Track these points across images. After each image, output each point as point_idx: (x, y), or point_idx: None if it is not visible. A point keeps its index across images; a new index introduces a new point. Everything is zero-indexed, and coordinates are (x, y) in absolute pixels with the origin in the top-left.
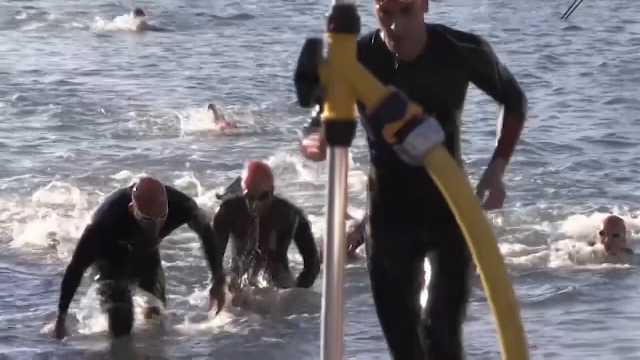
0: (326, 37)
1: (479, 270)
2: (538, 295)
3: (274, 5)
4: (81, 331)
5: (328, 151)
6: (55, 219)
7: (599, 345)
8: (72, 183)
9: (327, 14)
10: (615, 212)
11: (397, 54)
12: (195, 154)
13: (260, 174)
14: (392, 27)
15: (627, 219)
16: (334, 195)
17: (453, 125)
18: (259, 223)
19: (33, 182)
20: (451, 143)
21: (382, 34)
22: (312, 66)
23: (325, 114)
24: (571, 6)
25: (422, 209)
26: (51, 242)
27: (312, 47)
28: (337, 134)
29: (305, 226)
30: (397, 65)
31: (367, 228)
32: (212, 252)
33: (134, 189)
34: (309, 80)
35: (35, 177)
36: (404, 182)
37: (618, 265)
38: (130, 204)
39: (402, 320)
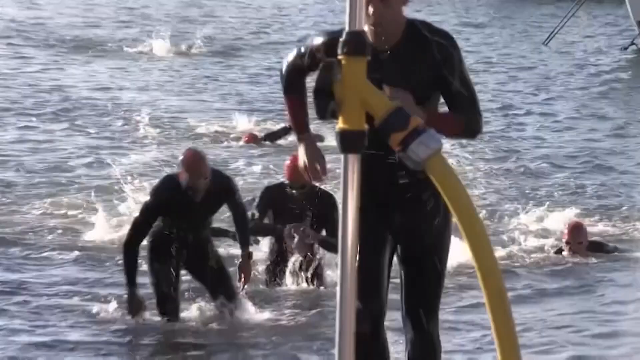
0: (340, 59)
1: (473, 261)
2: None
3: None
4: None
5: (342, 157)
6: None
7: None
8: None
9: (341, 39)
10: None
11: (373, 44)
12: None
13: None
14: (370, 12)
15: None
16: (348, 194)
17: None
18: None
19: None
20: None
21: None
22: (328, 84)
23: (340, 125)
24: (551, 34)
25: (394, 197)
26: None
27: (328, 67)
28: (350, 143)
29: None
30: (372, 55)
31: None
32: (244, 230)
33: (180, 157)
34: (326, 96)
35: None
36: (380, 160)
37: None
38: (179, 173)
39: (373, 305)
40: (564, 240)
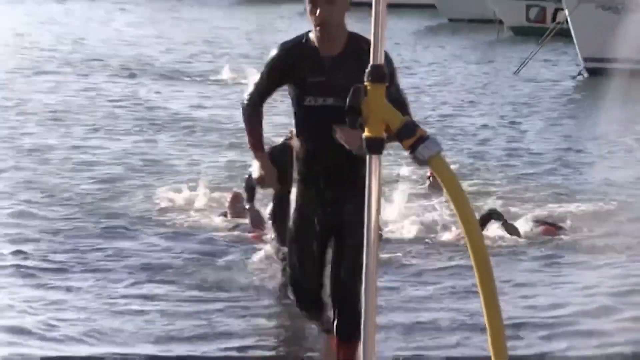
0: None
1: (465, 240)
2: None
3: None
4: None
5: (367, 158)
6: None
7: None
8: None
9: (366, 70)
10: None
11: (320, 50)
12: None
13: None
14: (317, 14)
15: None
16: (372, 190)
17: None
18: None
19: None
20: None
21: (311, 35)
22: (358, 103)
23: (366, 133)
24: (521, 64)
25: (333, 175)
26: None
27: (357, 90)
28: (373, 147)
29: None
30: (319, 60)
31: (294, 189)
32: None
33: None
34: (355, 112)
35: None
36: (321, 154)
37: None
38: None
39: (312, 275)
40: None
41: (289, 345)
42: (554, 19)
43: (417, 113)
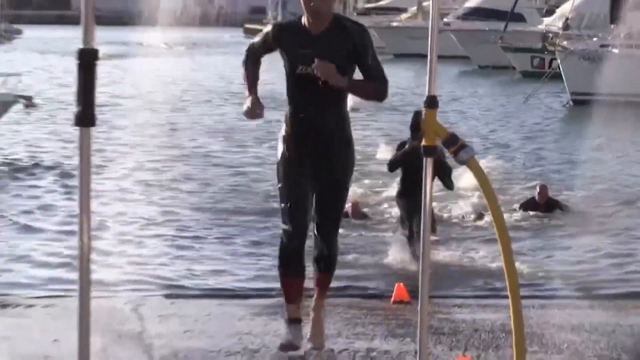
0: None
1: (492, 216)
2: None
3: None
4: None
5: (424, 160)
6: None
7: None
8: None
9: (424, 100)
10: None
11: (310, 29)
12: None
13: None
14: (311, 5)
15: None
16: (427, 182)
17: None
18: None
19: None
20: (340, 96)
21: (303, 19)
22: (418, 121)
23: (424, 142)
24: (528, 97)
25: (320, 136)
26: None
27: (417, 113)
28: (429, 152)
29: None
30: (309, 36)
31: (281, 146)
32: None
33: None
34: (417, 128)
35: None
36: (308, 117)
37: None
38: None
39: (299, 218)
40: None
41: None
42: (550, 65)
43: (464, 129)
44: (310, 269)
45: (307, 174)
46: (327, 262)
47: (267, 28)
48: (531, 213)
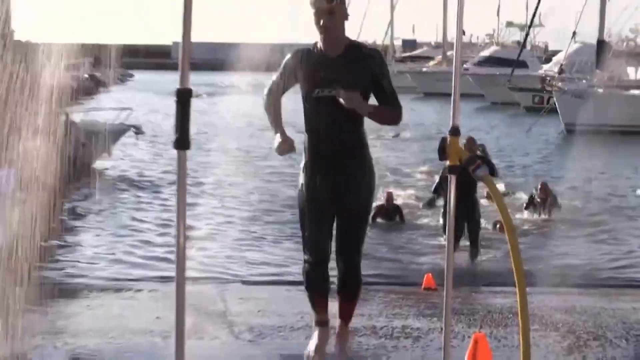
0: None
1: (504, 223)
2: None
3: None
4: None
5: (448, 177)
6: None
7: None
8: None
9: (448, 129)
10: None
11: (326, 52)
12: None
13: None
14: (321, 23)
15: None
16: (451, 198)
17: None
18: None
19: None
20: (358, 119)
21: (318, 43)
22: (444, 146)
23: (448, 162)
24: (530, 127)
25: (339, 162)
26: None
27: (444, 139)
28: (453, 170)
29: None
30: (325, 59)
31: (301, 176)
32: None
33: None
34: (443, 151)
35: None
36: (326, 141)
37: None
38: None
39: (320, 246)
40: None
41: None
42: (547, 102)
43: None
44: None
45: (327, 199)
46: (351, 290)
47: (285, 59)
48: (534, 216)
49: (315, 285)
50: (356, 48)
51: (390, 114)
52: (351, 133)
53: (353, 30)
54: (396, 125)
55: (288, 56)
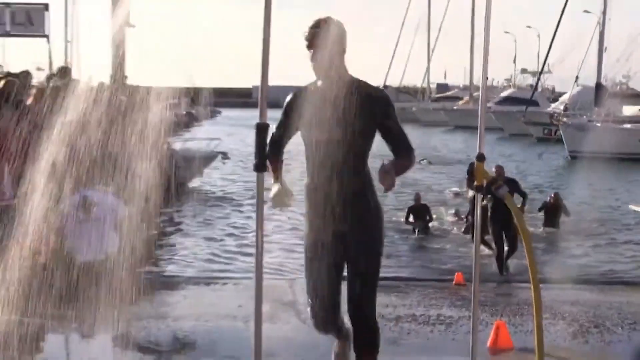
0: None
1: (523, 237)
2: None
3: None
4: None
5: (476, 195)
6: None
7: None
8: None
9: (475, 155)
10: None
11: (324, 91)
12: None
13: None
14: (312, 61)
15: None
16: (477, 216)
17: (362, 146)
18: None
19: None
20: (361, 160)
21: (318, 82)
22: (472, 169)
23: (475, 183)
24: (541, 154)
25: (343, 207)
26: None
27: (472, 164)
28: (479, 190)
29: None
30: (324, 99)
31: (305, 225)
32: None
33: None
34: (471, 174)
35: None
36: (329, 185)
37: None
38: None
39: (324, 294)
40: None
41: None
42: (555, 134)
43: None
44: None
45: (332, 246)
46: (367, 346)
47: (285, 103)
48: (547, 229)
49: (321, 330)
50: (362, 89)
51: (402, 166)
52: (355, 175)
53: (397, 75)
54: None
55: (287, 99)
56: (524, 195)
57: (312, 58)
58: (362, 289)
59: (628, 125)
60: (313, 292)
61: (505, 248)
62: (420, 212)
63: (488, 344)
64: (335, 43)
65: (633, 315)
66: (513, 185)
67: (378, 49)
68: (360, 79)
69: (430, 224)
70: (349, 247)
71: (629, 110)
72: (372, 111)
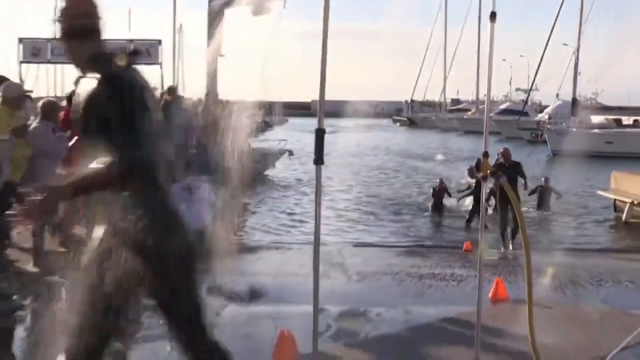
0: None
1: (519, 222)
2: None
3: None
4: None
5: (481, 182)
6: None
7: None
8: None
9: (481, 153)
10: None
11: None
12: None
13: None
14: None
15: None
16: (482, 197)
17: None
18: None
19: None
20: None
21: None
22: (479, 163)
23: (482, 173)
24: (530, 153)
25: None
26: None
27: (478, 159)
28: (484, 178)
29: None
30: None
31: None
32: None
33: None
34: (478, 167)
35: None
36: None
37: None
38: None
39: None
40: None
41: None
42: (541, 137)
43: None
44: None
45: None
46: None
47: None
48: (539, 212)
49: None
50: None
51: (95, 180)
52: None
53: (421, 92)
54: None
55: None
56: (525, 176)
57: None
58: (171, 313)
59: (596, 130)
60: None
61: (510, 228)
62: (440, 193)
63: (489, 296)
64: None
65: (599, 275)
66: (517, 168)
67: (407, 73)
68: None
69: (446, 203)
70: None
71: (596, 119)
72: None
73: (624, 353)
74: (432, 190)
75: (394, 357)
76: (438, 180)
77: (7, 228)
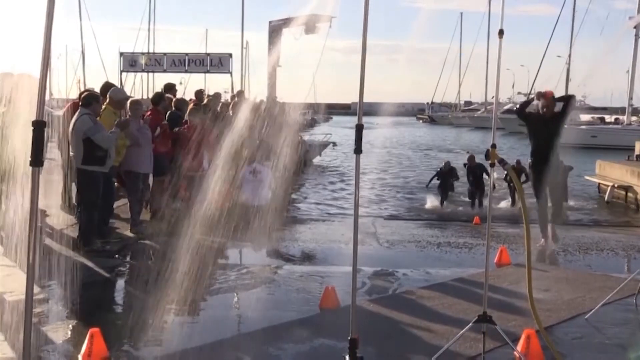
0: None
1: (522, 207)
2: None
3: None
4: None
5: (489, 169)
6: None
7: None
8: None
9: (490, 144)
10: None
11: None
12: None
13: None
14: None
15: None
16: (491, 183)
17: None
18: None
19: None
20: None
21: None
22: (488, 153)
23: (490, 161)
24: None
25: None
26: None
27: (487, 150)
28: (492, 165)
29: None
30: None
31: None
32: None
33: None
34: (487, 156)
35: None
36: None
37: None
38: None
39: None
40: None
41: None
42: None
43: (505, 156)
44: None
45: None
46: None
47: None
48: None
49: None
50: None
51: None
52: None
53: (439, 95)
54: None
55: None
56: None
57: None
58: None
59: (584, 127)
60: None
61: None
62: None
63: (495, 260)
64: None
65: (585, 245)
66: (519, 166)
67: (428, 78)
68: None
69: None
70: None
71: (584, 117)
72: None
73: (605, 308)
74: (438, 170)
75: (417, 309)
76: (444, 163)
77: (112, 201)
